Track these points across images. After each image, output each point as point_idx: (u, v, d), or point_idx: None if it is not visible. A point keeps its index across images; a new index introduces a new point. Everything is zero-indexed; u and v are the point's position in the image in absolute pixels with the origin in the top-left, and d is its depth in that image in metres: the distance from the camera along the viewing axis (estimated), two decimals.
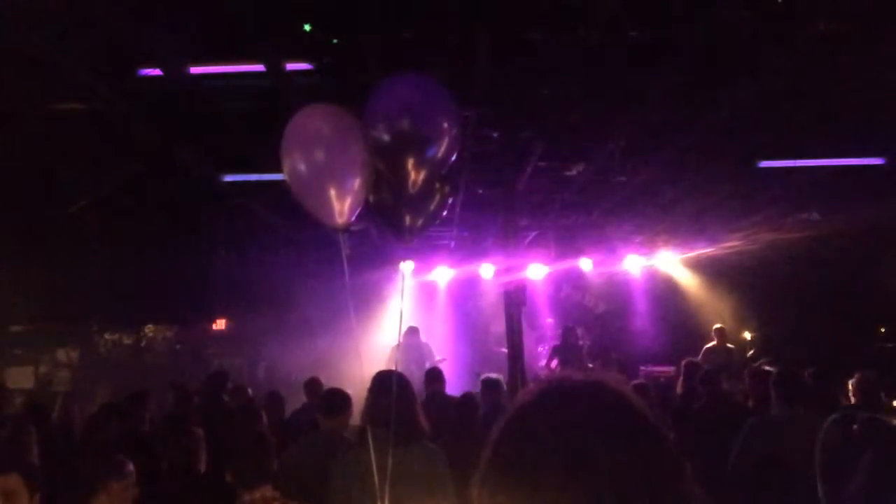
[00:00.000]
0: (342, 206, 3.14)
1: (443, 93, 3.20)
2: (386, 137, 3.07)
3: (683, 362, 7.60)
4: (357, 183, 3.13)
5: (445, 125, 3.15)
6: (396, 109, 3.09)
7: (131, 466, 2.99)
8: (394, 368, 3.60)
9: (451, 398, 5.86)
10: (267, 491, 2.71)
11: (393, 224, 3.46)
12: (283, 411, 6.04)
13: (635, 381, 6.72)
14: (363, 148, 3.12)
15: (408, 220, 3.39)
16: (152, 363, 12.33)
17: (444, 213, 3.64)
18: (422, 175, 3.15)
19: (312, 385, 6.51)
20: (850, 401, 5.26)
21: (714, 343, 9.77)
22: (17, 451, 4.17)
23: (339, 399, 4.19)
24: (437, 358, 10.22)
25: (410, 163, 3.11)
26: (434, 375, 6.37)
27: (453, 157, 3.27)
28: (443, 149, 3.15)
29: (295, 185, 3.23)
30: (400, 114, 3.07)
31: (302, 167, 3.14)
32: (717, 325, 10.08)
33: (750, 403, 5.59)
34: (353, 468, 3.23)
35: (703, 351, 9.68)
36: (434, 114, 3.14)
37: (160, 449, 4.22)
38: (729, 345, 9.80)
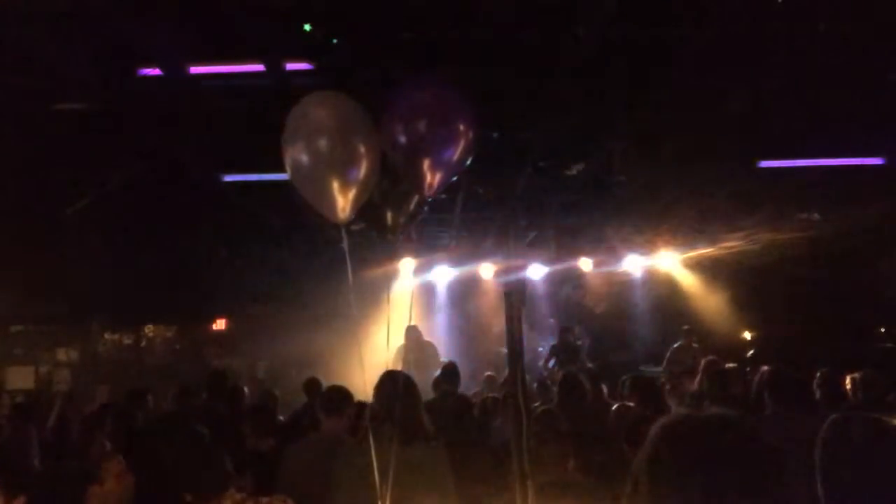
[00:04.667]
0: (345, 199, 3.05)
1: (459, 95, 3.18)
2: (403, 140, 3.05)
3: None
4: (362, 175, 3.05)
5: (462, 128, 3.12)
6: (413, 112, 3.07)
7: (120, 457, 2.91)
8: (400, 368, 3.61)
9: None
10: (235, 495, 2.57)
11: (374, 223, 3.44)
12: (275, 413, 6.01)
13: None
14: (371, 140, 3.06)
15: (389, 218, 3.36)
16: (152, 363, 12.34)
17: (425, 209, 3.62)
18: (438, 178, 3.13)
19: (312, 385, 6.50)
20: (846, 401, 5.25)
21: (681, 342, 9.99)
22: (7, 454, 4.15)
23: (339, 397, 4.18)
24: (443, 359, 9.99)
25: (426, 164, 3.07)
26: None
27: (468, 160, 3.25)
28: (459, 151, 3.13)
29: (296, 176, 3.13)
30: (417, 117, 3.05)
31: (304, 157, 3.04)
32: (685, 326, 10.32)
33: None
34: (356, 467, 3.23)
35: (670, 350, 9.90)
36: (451, 116, 3.12)
37: (159, 447, 4.21)
38: (695, 345, 9.93)
